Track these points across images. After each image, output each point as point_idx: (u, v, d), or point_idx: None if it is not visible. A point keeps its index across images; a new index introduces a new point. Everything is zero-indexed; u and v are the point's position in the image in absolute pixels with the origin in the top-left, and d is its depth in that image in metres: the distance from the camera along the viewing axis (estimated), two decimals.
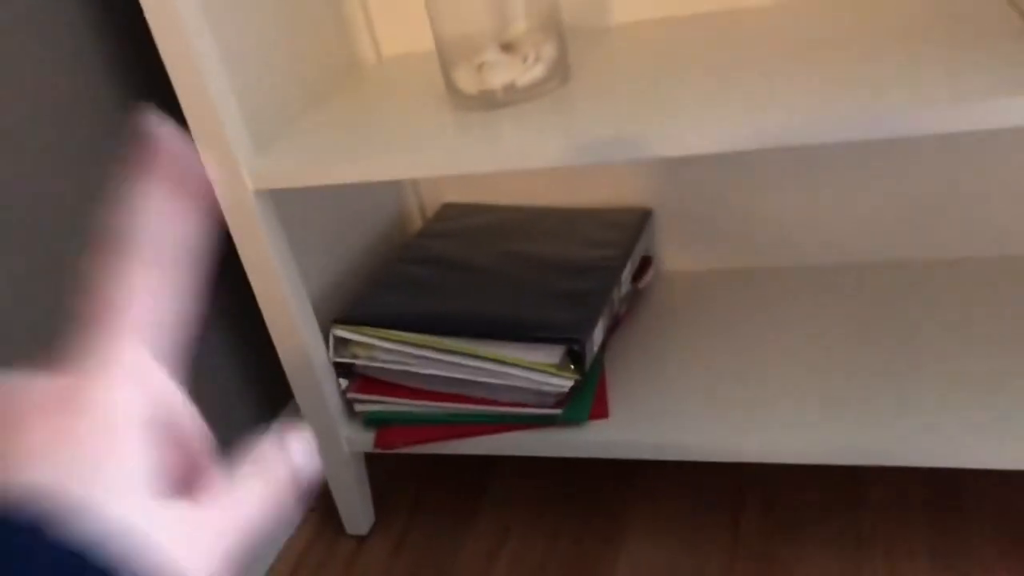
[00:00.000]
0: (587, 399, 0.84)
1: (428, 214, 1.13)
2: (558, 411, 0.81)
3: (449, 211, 1.08)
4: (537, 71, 0.74)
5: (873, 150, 0.92)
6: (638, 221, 0.98)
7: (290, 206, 0.87)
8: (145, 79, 0.83)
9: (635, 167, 1.01)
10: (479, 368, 0.82)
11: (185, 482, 0.26)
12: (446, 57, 0.76)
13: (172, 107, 0.85)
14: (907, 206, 0.93)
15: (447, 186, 1.11)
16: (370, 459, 0.96)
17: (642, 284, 0.99)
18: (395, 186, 1.09)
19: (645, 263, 1.01)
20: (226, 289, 0.93)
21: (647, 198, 1.02)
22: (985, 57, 0.63)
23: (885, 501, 0.86)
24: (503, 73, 0.74)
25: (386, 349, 0.86)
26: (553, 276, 0.90)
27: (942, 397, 0.76)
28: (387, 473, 1.04)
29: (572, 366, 0.81)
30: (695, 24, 0.86)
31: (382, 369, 0.87)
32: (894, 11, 0.76)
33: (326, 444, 0.92)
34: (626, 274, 0.92)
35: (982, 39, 0.67)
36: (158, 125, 0.26)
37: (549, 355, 0.80)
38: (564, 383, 0.80)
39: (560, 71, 0.77)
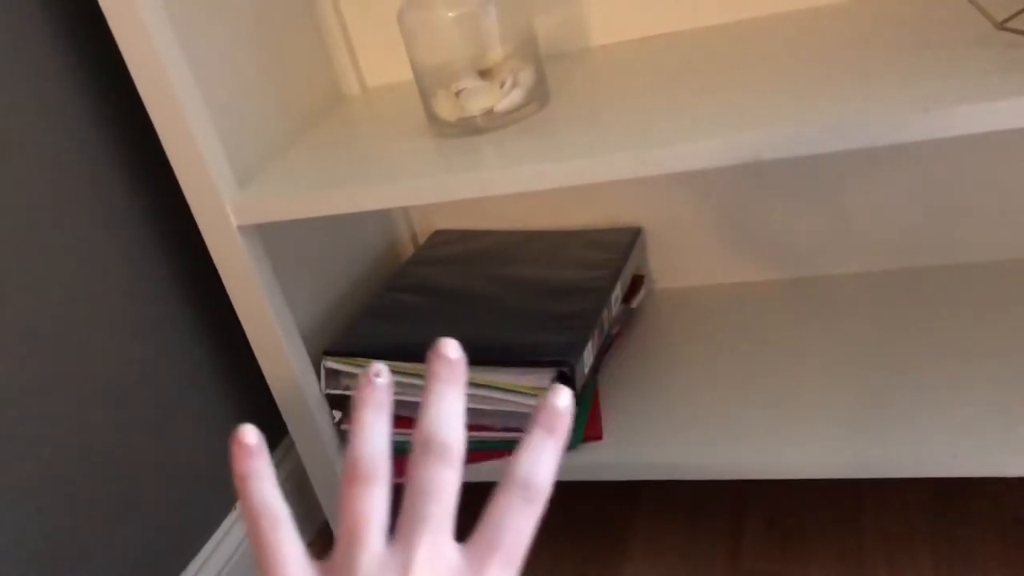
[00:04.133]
0: (580, 422, 0.83)
1: (420, 241, 1.13)
2: None
3: (439, 238, 1.08)
4: (515, 96, 0.74)
5: (863, 159, 0.91)
6: (628, 240, 0.98)
7: (277, 237, 0.87)
8: (125, 116, 0.84)
9: (624, 186, 1.01)
10: (471, 395, 0.82)
11: None
12: (424, 85, 0.77)
13: (153, 144, 0.85)
14: (900, 215, 0.93)
15: (438, 213, 1.11)
16: None
17: (634, 303, 0.98)
18: (386, 214, 1.09)
19: (637, 282, 1.01)
20: (217, 324, 0.93)
21: (637, 216, 1.02)
22: (955, 63, 0.63)
23: (887, 513, 0.84)
24: (481, 99, 0.74)
25: None
26: (543, 299, 0.90)
27: (939, 406, 0.76)
28: None
29: None
30: (671, 44, 0.86)
31: None
32: (863, 23, 0.76)
33: (322, 477, 0.91)
34: (616, 294, 0.92)
35: (950, 46, 0.66)
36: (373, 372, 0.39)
37: (539, 379, 0.80)
38: None
39: (539, 95, 0.77)
